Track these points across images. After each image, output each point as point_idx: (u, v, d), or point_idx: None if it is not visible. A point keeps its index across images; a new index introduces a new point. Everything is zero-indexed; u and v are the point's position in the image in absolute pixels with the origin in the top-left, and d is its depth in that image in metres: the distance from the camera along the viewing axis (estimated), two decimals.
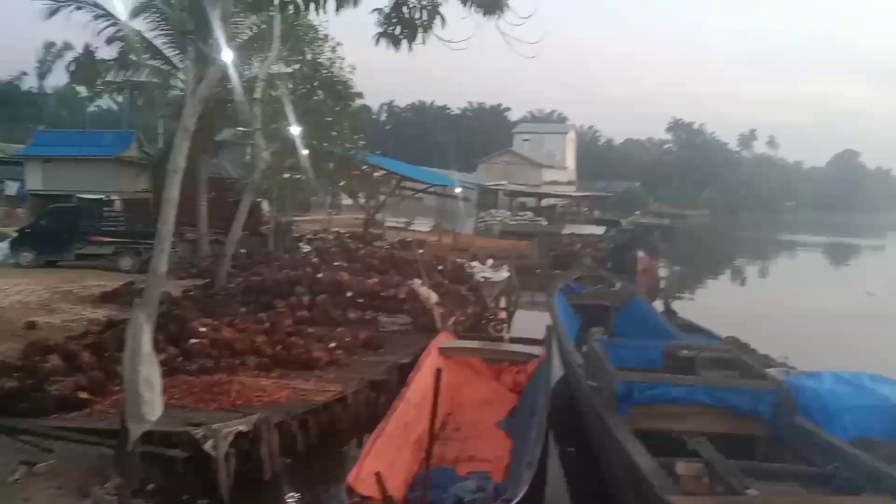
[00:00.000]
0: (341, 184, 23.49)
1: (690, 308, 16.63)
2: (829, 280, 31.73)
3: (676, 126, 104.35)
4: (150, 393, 6.02)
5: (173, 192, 6.94)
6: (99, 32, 17.78)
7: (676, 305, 15.06)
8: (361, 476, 5.28)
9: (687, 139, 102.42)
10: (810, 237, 56.51)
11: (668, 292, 18.05)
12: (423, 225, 35.22)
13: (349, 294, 12.85)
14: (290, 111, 16.57)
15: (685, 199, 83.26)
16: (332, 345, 9.97)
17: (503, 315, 15.09)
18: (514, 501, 5.04)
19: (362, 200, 27.19)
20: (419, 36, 5.34)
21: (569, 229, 35.69)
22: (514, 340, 10.77)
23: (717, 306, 20.97)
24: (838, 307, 21.04)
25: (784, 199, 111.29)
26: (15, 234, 19.67)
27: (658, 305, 14.32)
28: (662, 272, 26.66)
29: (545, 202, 51.07)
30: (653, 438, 6.55)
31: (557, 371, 9.97)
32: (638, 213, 60.57)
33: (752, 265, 37.20)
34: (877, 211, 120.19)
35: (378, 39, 5.40)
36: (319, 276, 13.54)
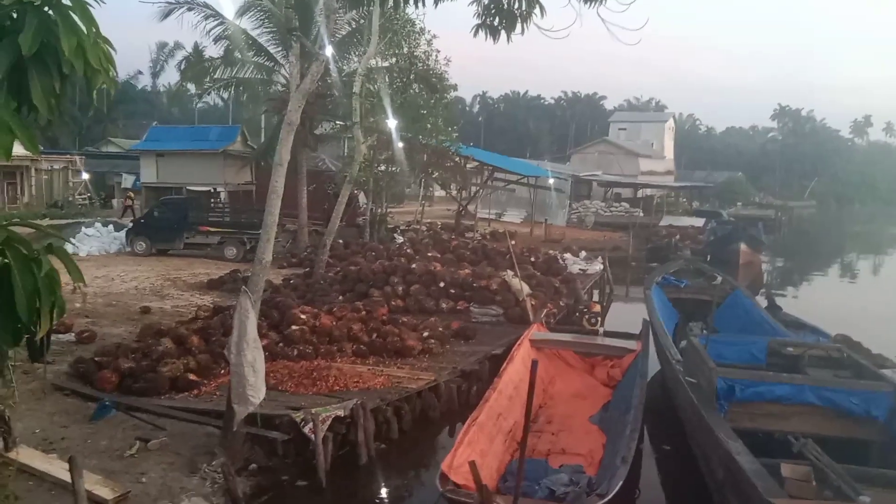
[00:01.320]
0: (434, 175, 23.67)
1: (796, 304, 15.84)
2: None
3: (782, 113, 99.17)
4: (254, 377, 6.30)
5: (279, 183, 7.18)
6: (208, 32, 18.73)
7: (781, 300, 14.37)
8: (455, 464, 5.36)
9: (793, 127, 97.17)
10: None
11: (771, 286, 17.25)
12: (515, 216, 35.09)
13: (442, 284, 12.99)
14: (386, 104, 16.88)
15: (791, 189, 79.23)
16: (426, 334, 10.12)
17: (597, 308, 14.86)
18: (609, 497, 4.99)
19: (455, 192, 27.39)
20: (518, 26, 5.28)
21: (666, 221, 34.68)
22: (608, 334, 10.62)
23: (825, 303, 19.87)
24: None
25: None
26: (130, 225, 20.96)
27: (761, 300, 13.73)
28: (765, 266, 25.56)
29: (641, 193, 49.73)
30: (755, 438, 6.33)
31: (654, 366, 9.75)
32: (740, 204, 58.20)
33: (865, 260, 35.00)
34: None
35: (476, 31, 5.38)
36: (413, 266, 13.74)
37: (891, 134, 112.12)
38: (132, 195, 28.16)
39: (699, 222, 33.20)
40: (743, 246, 24.37)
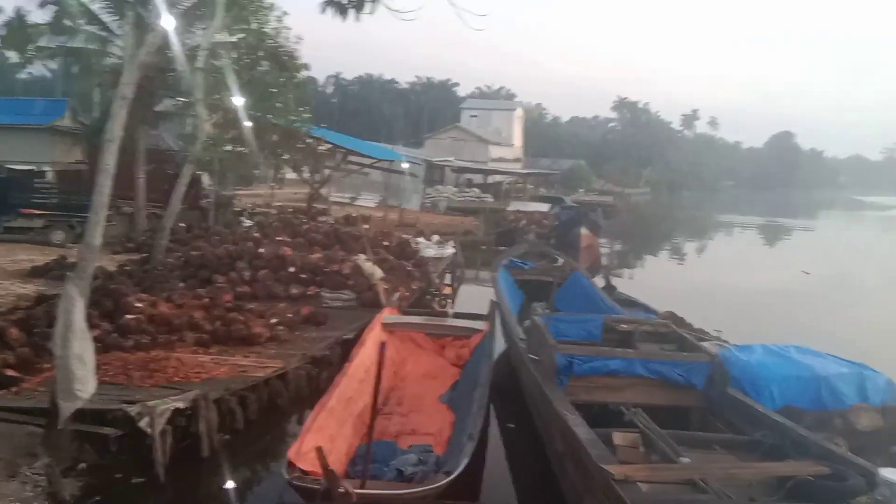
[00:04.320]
0: (285, 157, 23.02)
1: (630, 284, 16.98)
2: (765, 258, 32.79)
3: (622, 105, 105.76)
4: (82, 369, 5.85)
5: (109, 162, 6.71)
6: None
7: (616, 281, 15.35)
8: (302, 451, 5.25)
9: (631, 118, 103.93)
10: (747, 217, 58.25)
11: (608, 268, 18.38)
12: (368, 200, 34.97)
13: (291, 269, 12.69)
14: (233, 81, 16.14)
15: (628, 177, 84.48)
16: (274, 320, 9.84)
17: (448, 290, 15.16)
18: (455, 473, 5.09)
19: (306, 174, 26.77)
20: (367, 5, 5.21)
21: (514, 206, 35.94)
22: (458, 315, 10.84)
23: (655, 282, 21.48)
24: (773, 284, 21.82)
25: (723, 179, 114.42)
26: None
27: (599, 281, 14.58)
28: (603, 248, 27.18)
29: (492, 179, 51.23)
30: (592, 410, 6.70)
31: (501, 345, 10.08)
32: (582, 190, 61.42)
33: (691, 243, 38.17)
34: (810, 190, 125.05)
35: (325, 8, 5.26)
36: (261, 250, 13.32)
37: (715, 127, 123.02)
38: None
39: (545, 208, 34.71)
40: (584, 230, 25.73)
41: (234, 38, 18.29)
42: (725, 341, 9.28)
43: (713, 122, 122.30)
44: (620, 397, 6.82)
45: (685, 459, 5.39)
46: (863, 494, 4.69)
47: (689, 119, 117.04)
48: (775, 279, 23.13)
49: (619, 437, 5.54)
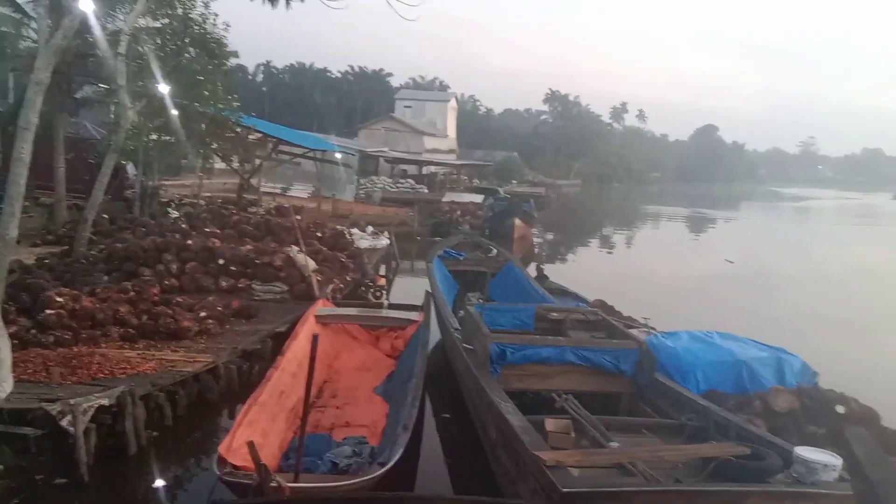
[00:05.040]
0: (214, 146, 22.43)
1: (562, 273, 17.29)
2: (691, 248, 33.89)
3: (553, 97, 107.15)
4: None
5: (24, 150, 6.44)
6: None
7: (548, 270, 15.61)
8: (234, 446, 5.15)
9: (563, 111, 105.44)
10: (673, 208, 60.06)
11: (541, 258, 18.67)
12: (301, 191, 34.52)
13: (221, 261, 12.40)
14: (157, 68, 15.61)
15: (560, 168, 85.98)
16: (203, 314, 9.60)
17: (382, 282, 15.10)
18: (390, 464, 5.09)
19: (236, 164, 26.20)
20: None
21: (449, 197, 36.06)
22: (392, 307, 10.82)
23: (586, 271, 21.95)
24: (698, 273, 22.60)
25: (651, 171, 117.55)
26: None
27: (532, 270, 14.80)
28: (536, 239, 27.57)
29: (426, 170, 51.23)
30: (525, 398, 6.82)
31: (436, 336, 10.12)
32: (515, 182, 62.09)
33: (620, 233, 39.12)
34: (733, 182, 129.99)
35: None
36: (189, 242, 12.96)
37: (643, 120, 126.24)
38: None
39: (479, 199, 34.94)
40: (517, 221, 26.06)
41: (158, 24, 17.70)
42: (653, 328, 9.59)
43: (641, 116, 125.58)
44: (552, 384, 6.95)
45: (614, 444, 5.54)
46: (780, 472, 4.92)
47: (618, 112, 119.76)
48: (700, 268, 23.96)
49: (550, 424, 5.65)
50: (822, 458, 4.71)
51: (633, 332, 8.16)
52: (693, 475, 5.07)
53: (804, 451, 4.86)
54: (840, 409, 6.78)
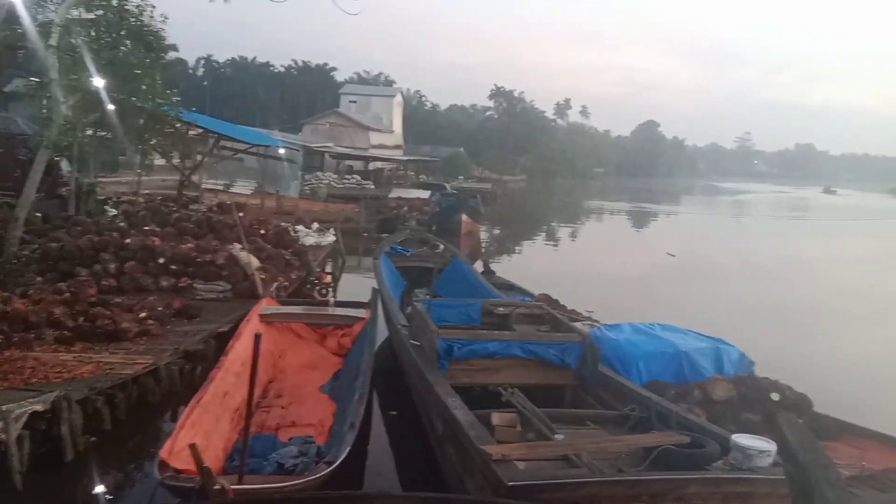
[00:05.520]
0: (153, 142, 21.79)
1: (508, 268, 17.44)
2: (634, 242, 34.60)
3: (498, 94, 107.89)
4: None
5: None
6: None
7: (495, 265, 15.73)
8: (175, 449, 5.04)
9: (507, 107, 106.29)
10: (616, 203, 61.21)
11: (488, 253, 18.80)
12: (244, 187, 33.92)
13: (161, 260, 12.10)
14: (91, 61, 15.10)
15: (505, 164, 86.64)
16: (143, 314, 9.34)
17: (328, 279, 14.98)
18: (337, 463, 5.06)
19: (176, 161, 25.54)
20: None
21: (395, 193, 35.95)
22: (339, 304, 10.75)
23: (532, 266, 22.19)
24: (641, 266, 23.09)
25: (594, 166, 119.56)
26: None
27: (478, 266, 14.88)
28: (483, 234, 27.74)
29: (372, 166, 50.98)
30: (472, 393, 6.85)
31: (383, 333, 10.08)
32: (461, 178, 62.33)
33: (565, 228, 39.68)
34: (674, 176, 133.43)
35: None
36: (127, 241, 12.60)
37: (586, 116, 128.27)
38: None
39: (425, 194, 34.96)
40: (464, 217, 26.18)
41: (92, 15, 17.11)
42: (597, 321, 9.75)
43: (584, 112, 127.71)
44: (499, 378, 7.00)
45: (559, 436, 5.63)
46: (718, 459, 5.08)
47: (562, 108, 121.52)
48: (643, 261, 24.48)
49: (497, 418, 5.70)
50: (758, 445, 4.88)
51: (578, 325, 8.29)
52: (636, 464, 5.19)
53: (741, 438, 5.02)
54: (775, 396, 7.03)
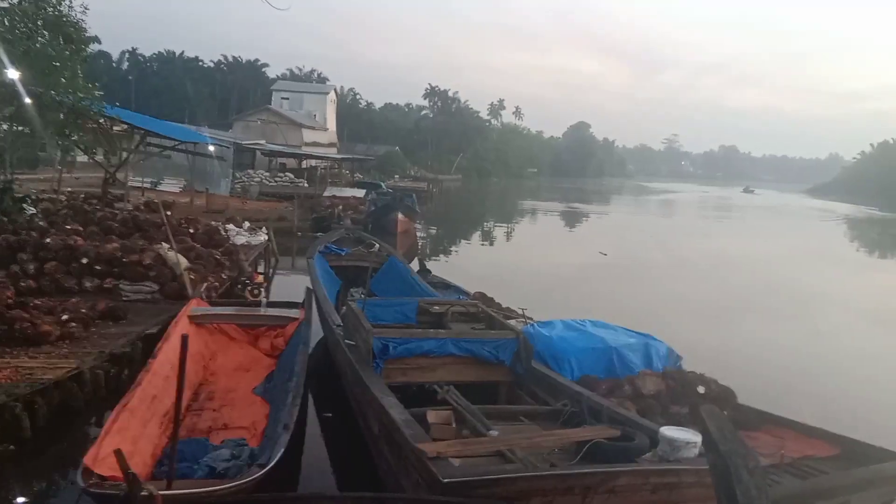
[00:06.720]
0: (74, 138, 20.97)
1: (444, 266, 17.51)
2: (566, 241, 35.22)
3: (433, 93, 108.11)
4: None
5: None
6: None
7: (431, 264, 15.78)
8: (101, 455, 4.86)
9: (442, 106, 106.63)
10: (549, 203, 62.21)
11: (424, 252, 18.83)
12: (172, 185, 33.01)
13: (85, 261, 11.66)
14: (6, 52, 14.43)
15: (441, 163, 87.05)
16: (65, 317, 8.98)
17: (260, 279, 14.72)
18: (270, 465, 4.97)
19: (100, 157, 24.63)
20: None
21: (330, 191, 35.61)
22: (271, 304, 10.56)
23: (467, 265, 22.34)
24: (573, 264, 23.54)
25: (528, 166, 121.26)
26: None
27: (414, 265, 14.89)
28: (419, 233, 27.76)
29: (306, 164, 50.33)
30: (408, 391, 6.86)
31: (318, 334, 9.97)
32: (397, 176, 62.29)
33: (500, 227, 40.09)
34: (604, 177, 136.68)
35: None
36: (47, 241, 12.09)
37: (519, 117, 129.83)
38: None
39: (361, 193, 34.79)
40: (400, 215, 26.13)
41: (5, 4, 16.35)
42: (530, 318, 9.91)
43: (518, 112, 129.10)
44: (434, 376, 7.04)
45: (494, 432, 5.69)
46: (647, 452, 5.23)
47: (496, 109, 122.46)
48: (575, 260, 24.97)
49: (432, 416, 5.72)
50: (684, 436, 5.05)
51: (512, 322, 8.40)
52: (568, 458, 5.29)
53: (668, 431, 5.18)
54: (701, 389, 7.28)
